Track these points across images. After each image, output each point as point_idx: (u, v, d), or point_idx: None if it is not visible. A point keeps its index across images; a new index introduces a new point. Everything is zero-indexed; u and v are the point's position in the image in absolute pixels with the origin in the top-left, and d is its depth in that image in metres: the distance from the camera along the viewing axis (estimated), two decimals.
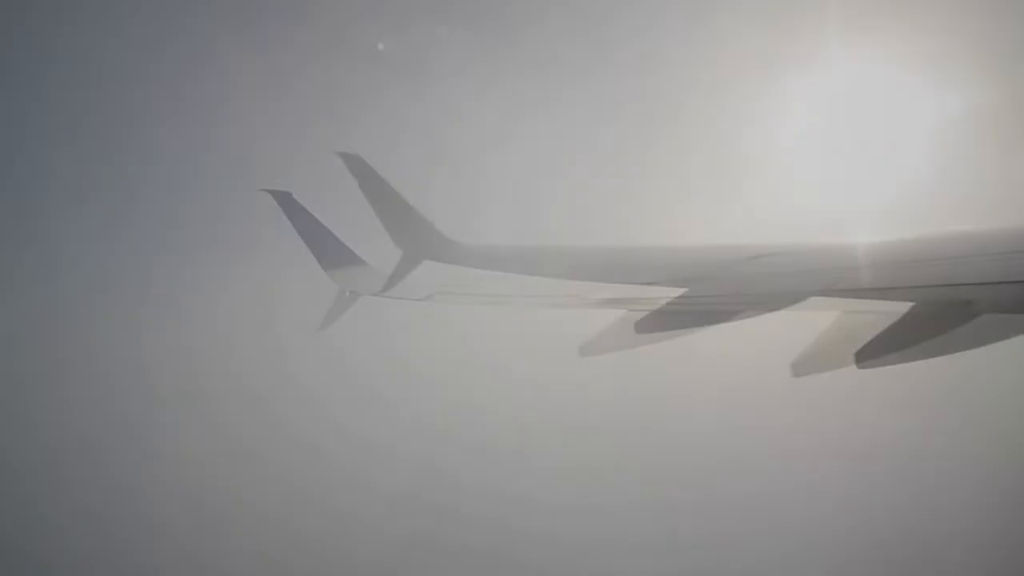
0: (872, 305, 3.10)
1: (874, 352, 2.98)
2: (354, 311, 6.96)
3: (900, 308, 3.01)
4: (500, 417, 19.24)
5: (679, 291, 4.07)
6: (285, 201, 7.19)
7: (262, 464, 18.91)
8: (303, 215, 7.19)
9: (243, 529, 17.73)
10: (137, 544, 17.04)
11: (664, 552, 16.82)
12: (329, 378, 19.50)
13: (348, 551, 17.05)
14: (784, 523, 17.14)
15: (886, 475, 18.81)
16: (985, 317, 2.81)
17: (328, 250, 7.19)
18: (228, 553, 17.06)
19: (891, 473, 18.67)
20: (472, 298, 5.90)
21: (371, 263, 7.31)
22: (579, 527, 17.19)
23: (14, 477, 18.41)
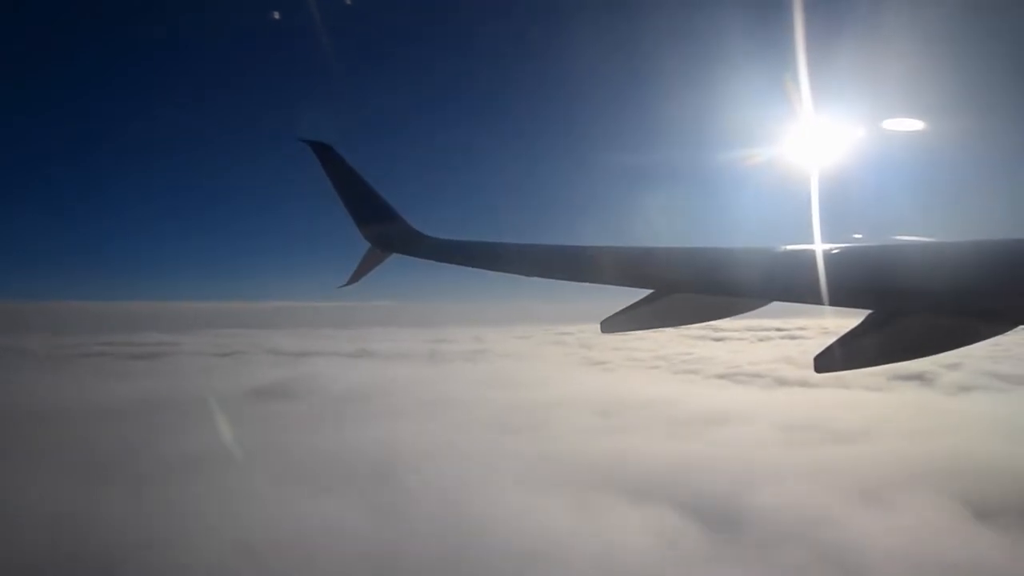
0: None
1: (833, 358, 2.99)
2: None
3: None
4: None
5: (646, 291, 4.04)
6: (323, 153, 6.43)
7: None
8: (342, 168, 6.49)
9: None
10: None
11: None
12: None
13: None
14: None
15: None
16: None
17: (366, 206, 6.57)
18: None
19: None
20: None
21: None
22: None
23: None
